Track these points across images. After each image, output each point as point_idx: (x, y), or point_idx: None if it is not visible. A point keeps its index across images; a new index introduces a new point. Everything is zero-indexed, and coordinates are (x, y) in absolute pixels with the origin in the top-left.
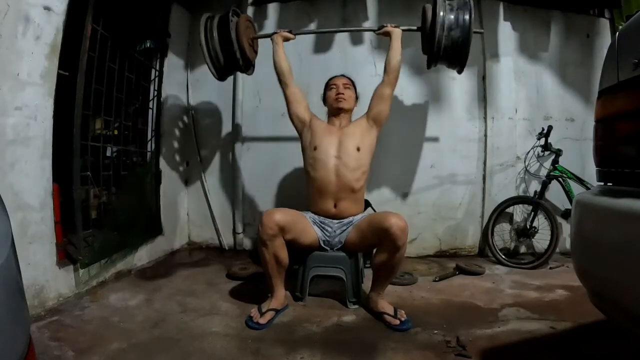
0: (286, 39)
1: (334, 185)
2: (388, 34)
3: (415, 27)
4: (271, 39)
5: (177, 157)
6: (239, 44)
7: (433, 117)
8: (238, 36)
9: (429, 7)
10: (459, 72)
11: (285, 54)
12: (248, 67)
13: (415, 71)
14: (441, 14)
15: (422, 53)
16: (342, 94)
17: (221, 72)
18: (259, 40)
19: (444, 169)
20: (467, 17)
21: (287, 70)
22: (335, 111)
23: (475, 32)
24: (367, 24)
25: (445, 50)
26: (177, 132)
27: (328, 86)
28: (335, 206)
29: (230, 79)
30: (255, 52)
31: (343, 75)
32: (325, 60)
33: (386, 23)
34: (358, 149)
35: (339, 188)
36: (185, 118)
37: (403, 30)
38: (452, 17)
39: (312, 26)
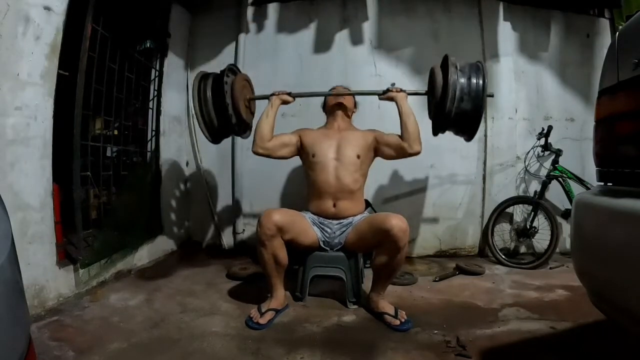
0: (285, 102)
1: (333, 186)
2: (392, 99)
3: (422, 92)
4: (268, 99)
5: (177, 157)
6: (234, 108)
7: None
8: (233, 99)
9: (438, 70)
10: (467, 140)
11: (274, 121)
12: (244, 130)
13: (415, 71)
14: (452, 79)
15: (428, 118)
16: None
17: (216, 136)
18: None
19: (444, 169)
20: (480, 82)
21: (268, 138)
22: (333, 108)
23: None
24: (366, 24)
25: (456, 120)
26: (177, 132)
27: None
28: (334, 206)
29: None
30: (252, 114)
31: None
32: (325, 60)
33: (392, 87)
34: (358, 157)
35: (338, 189)
36: (185, 118)
37: (409, 94)
38: (463, 83)
39: (312, 25)
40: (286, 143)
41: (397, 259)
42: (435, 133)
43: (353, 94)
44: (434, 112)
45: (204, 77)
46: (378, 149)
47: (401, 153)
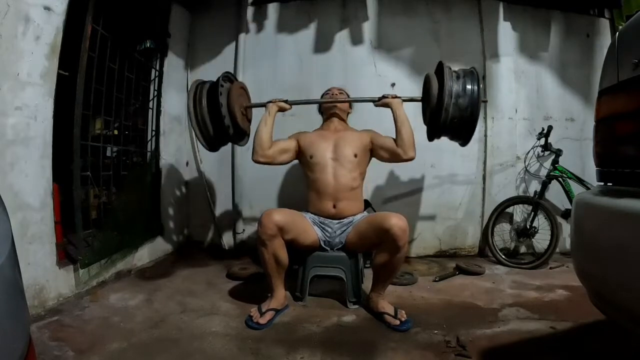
0: (282, 110)
1: (332, 186)
2: (388, 106)
3: (418, 98)
4: (265, 107)
5: (177, 157)
6: (230, 114)
7: None
8: (229, 106)
9: (433, 76)
10: (462, 145)
11: (272, 129)
12: (241, 137)
13: (415, 71)
14: (447, 87)
15: (423, 123)
16: (336, 95)
17: (212, 144)
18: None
19: (444, 169)
20: (475, 88)
21: (268, 146)
22: (329, 114)
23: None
24: (366, 24)
25: (451, 124)
26: (177, 132)
27: (323, 95)
28: (334, 206)
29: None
30: (249, 121)
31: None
32: (325, 60)
33: (387, 94)
34: (355, 155)
35: (337, 188)
36: (185, 118)
37: (404, 100)
38: (458, 88)
39: (312, 25)
40: (285, 149)
41: (397, 258)
42: (430, 139)
43: (348, 102)
44: (429, 119)
45: (199, 85)
46: (374, 150)
47: (395, 158)
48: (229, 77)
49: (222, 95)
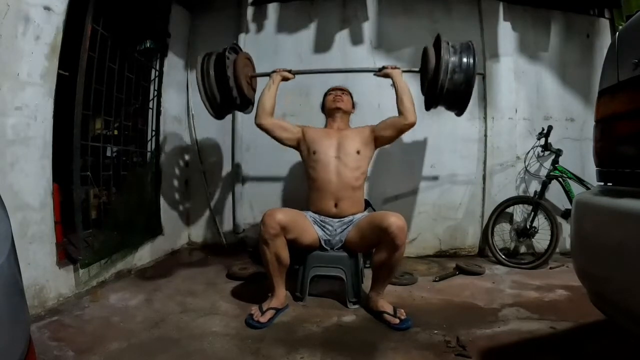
0: (285, 79)
1: (334, 184)
2: (388, 76)
3: (416, 69)
4: (269, 76)
5: (177, 157)
6: (236, 83)
7: (433, 117)
8: (235, 75)
9: (431, 49)
10: (458, 115)
11: (276, 95)
12: (246, 105)
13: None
14: (445, 58)
15: (421, 93)
16: (340, 96)
17: (218, 112)
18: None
19: (444, 169)
20: (470, 61)
21: (270, 111)
22: (332, 112)
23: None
24: (367, 24)
25: (447, 95)
26: (177, 132)
27: (326, 94)
28: (335, 205)
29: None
30: (254, 90)
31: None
32: (325, 60)
33: (387, 64)
34: (358, 152)
35: (339, 187)
36: (185, 118)
37: (404, 71)
38: (455, 61)
39: (312, 25)
40: (286, 128)
41: (396, 257)
42: (427, 108)
43: (349, 72)
44: (427, 89)
45: (207, 55)
46: (377, 137)
47: (399, 127)
48: (235, 49)
49: (229, 68)
